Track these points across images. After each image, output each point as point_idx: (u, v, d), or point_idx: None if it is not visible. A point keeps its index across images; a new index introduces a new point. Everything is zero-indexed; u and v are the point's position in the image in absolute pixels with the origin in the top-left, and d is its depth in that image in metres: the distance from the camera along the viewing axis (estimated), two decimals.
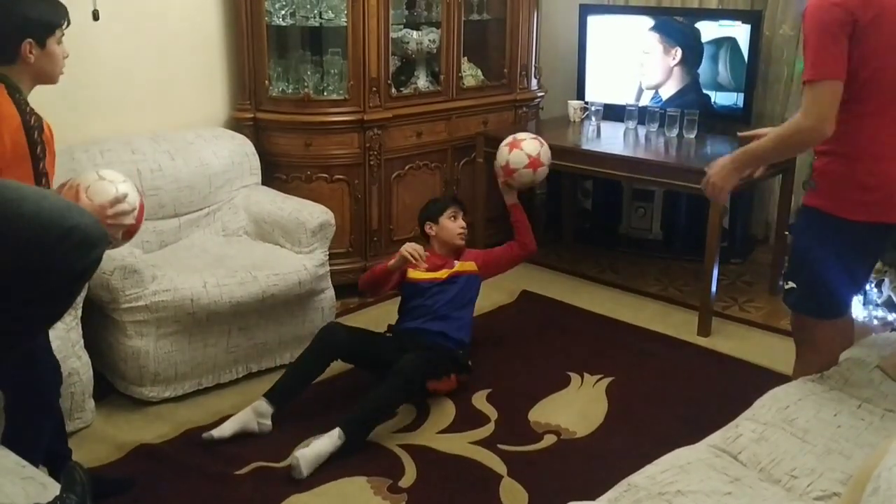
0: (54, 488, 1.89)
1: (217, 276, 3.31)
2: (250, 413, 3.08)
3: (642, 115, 4.64)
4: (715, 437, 2.30)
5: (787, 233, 4.24)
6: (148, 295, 3.15)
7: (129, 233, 2.48)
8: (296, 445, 2.98)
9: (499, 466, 2.92)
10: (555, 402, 3.36)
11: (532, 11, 4.79)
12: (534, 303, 4.32)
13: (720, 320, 4.07)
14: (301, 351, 3.29)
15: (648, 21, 4.74)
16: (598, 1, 5.24)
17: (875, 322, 4.01)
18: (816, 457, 2.16)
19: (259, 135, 4.13)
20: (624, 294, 4.45)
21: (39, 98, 2.39)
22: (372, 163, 4.20)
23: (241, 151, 3.95)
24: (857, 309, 4.04)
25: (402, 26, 4.44)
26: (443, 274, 3.54)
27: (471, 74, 4.71)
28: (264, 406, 3.09)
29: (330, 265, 3.73)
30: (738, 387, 3.30)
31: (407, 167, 4.39)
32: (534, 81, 4.94)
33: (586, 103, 4.87)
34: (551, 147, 4.26)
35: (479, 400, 3.36)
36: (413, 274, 3.52)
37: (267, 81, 4.11)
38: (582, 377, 3.54)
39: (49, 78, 2.41)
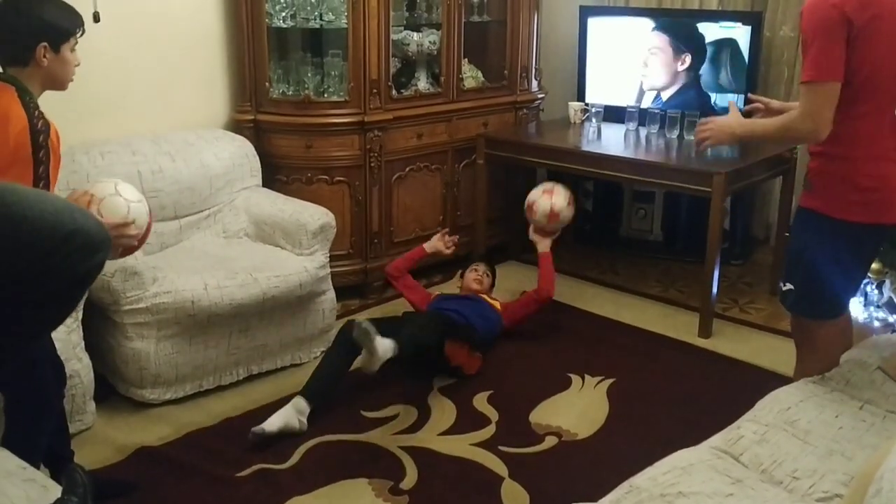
0: (56, 490, 1.89)
1: (218, 277, 3.31)
2: (292, 410, 3.10)
3: (643, 116, 4.64)
4: (716, 439, 2.30)
5: (787, 234, 4.24)
6: (149, 297, 3.15)
7: (127, 251, 2.49)
8: (298, 447, 2.99)
9: (500, 468, 2.92)
10: (556, 404, 3.35)
11: (532, 13, 4.79)
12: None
13: (721, 322, 4.07)
14: (313, 351, 3.52)
15: (649, 23, 4.74)
16: (599, 2, 5.25)
17: (876, 323, 4.01)
18: (818, 458, 2.16)
19: (260, 136, 4.13)
20: (625, 295, 4.45)
21: (41, 100, 2.39)
22: (372, 164, 4.20)
23: (241, 153, 3.95)
24: (858, 310, 4.04)
25: (402, 28, 4.44)
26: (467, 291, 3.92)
27: (471, 76, 4.71)
28: (303, 404, 3.12)
29: (330, 267, 3.73)
30: (740, 388, 3.30)
31: (407, 169, 4.39)
32: (534, 83, 4.94)
33: (587, 105, 4.88)
34: (552, 149, 4.32)
35: (480, 401, 3.36)
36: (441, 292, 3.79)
37: (267, 83, 4.11)
38: (583, 379, 3.54)
39: (59, 84, 2.45)
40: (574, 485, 2.81)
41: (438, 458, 2.98)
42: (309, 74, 4.22)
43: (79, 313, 2.97)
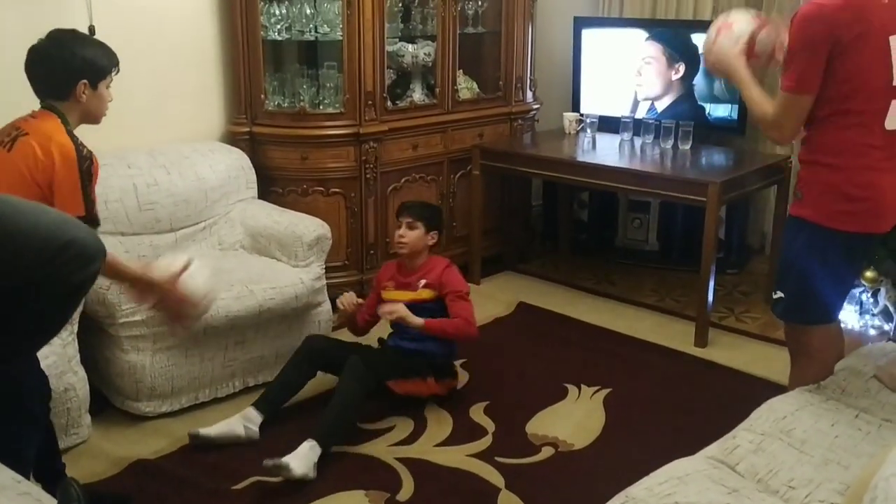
0: None
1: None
2: (238, 418, 3.13)
3: (637, 126, 4.66)
4: (713, 448, 2.30)
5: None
6: (144, 309, 3.15)
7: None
8: None
9: (496, 479, 2.92)
10: (552, 414, 3.35)
11: (527, 24, 4.80)
12: (531, 314, 4.32)
13: (717, 331, 4.08)
14: None
15: (642, 34, 4.76)
16: (593, 13, 5.28)
17: (871, 332, 4.02)
18: (814, 467, 2.16)
19: (255, 148, 4.13)
20: (620, 305, 4.46)
21: None
22: (368, 176, 4.20)
23: (237, 165, 3.95)
24: (853, 318, 4.05)
25: (397, 40, 4.46)
26: (404, 296, 3.40)
27: (466, 87, 4.72)
28: (252, 413, 3.14)
29: (326, 279, 3.73)
30: (736, 397, 3.30)
31: (403, 180, 4.40)
32: (529, 94, 4.95)
33: (581, 115, 4.89)
34: (547, 159, 4.29)
35: (477, 412, 3.35)
36: (385, 295, 3.45)
37: (263, 95, 4.12)
38: (579, 389, 3.54)
39: (94, 118, 2.62)
40: (571, 495, 2.81)
41: (435, 470, 2.98)
42: (304, 86, 4.23)
43: (74, 326, 2.97)
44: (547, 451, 3.09)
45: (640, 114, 4.79)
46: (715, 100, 4.65)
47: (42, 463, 2.52)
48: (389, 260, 4.26)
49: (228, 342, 3.38)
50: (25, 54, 2.52)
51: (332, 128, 4.11)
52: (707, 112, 4.67)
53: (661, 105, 4.76)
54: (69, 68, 2.49)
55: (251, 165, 4.02)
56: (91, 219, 2.46)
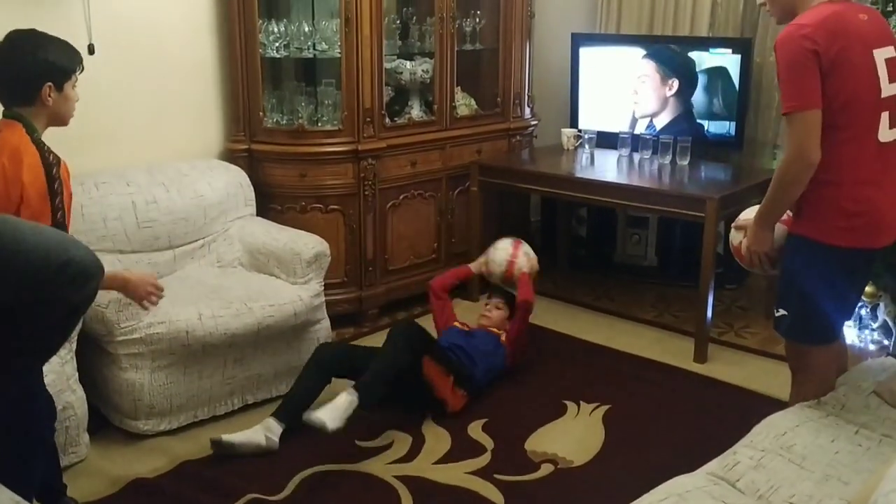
0: None
1: (212, 307, 3.31)
2: (260, 428, 3.14)
3: (635, 142, 4.67)
4: (713, 465, 2.29)
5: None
6: (143, 327, 3.15)
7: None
8: (292, 477, 2.97)
9: (496, 496, 2.90)
10: (551, 431, 3.34)
11: (524, 41, 4.82)
12: (529, 331, 4.30)
13: (716, 346, 4.07)
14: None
15: (640, 50, 4.78)
16: (590, 30, 5.30)
17: (871, 347, 4.02)
18: (815, 483, 2.15)
19: (253, 166, 4.14)
20: (619, 321, 4.45)
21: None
22: (367, 193, 4.21)
23: (235, 182, 3.96)
24: (853, 334, 4.05)
25: (395, 57, 4.47)
26: (467, 326, 3.82)
27: (464, 104, 4.74)
28: (273, 424, 3.15)
29: (325, 295, 3.73)
30: (736, 413, 3.29)
31: (402, 196, 4.41)
32: (527, 110, 4.97)
33: (580, 131, 4.90)
34: (546, 176, 4.29)
35: (475, 429, 3.34)
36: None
37: (261, 113, 4.13)
38: (578, 405, 3.53)
39: (62, 120, 2.54)
40: None
41: (433, 487, 2.96)
42: (302, 104, 4.24)
43: (72, 344, 2.96)
44: (546, 469, 3.08)
45: (639, 131, 4.80)
46: (714, 117, 4.66)
47: (43, 483, 2.52)
48: (388, 277, 4.29)
49: (227, 360, 3.37)
50: None
51: (331, 145, 4.12)
52: (706, 129, 4.68)
53: (659, 122, 4.77)
54: (32, 73, 2.41)
55: (250, 183, 4.02)
56: (56, 226, 2.39)
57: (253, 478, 2.96)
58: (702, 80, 4.64)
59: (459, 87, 4.69)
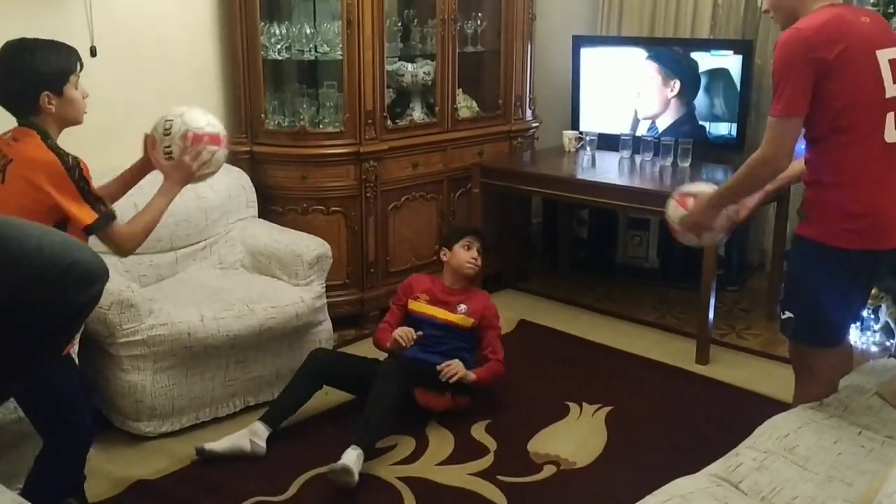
0: None
1: (214, 309, 3.31)
2: (244, 433, 3.13)
3: (637, 144, 4.67)
4: (715, 466, 2.29)
5: (783, 259, 4.25)
6: (145, 329, 3.15)
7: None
8: (295, 478, 2.97)
9: (498, 498, 2.90)
10: (554, 433, 3.34)
11: (526, 43, 4.83)
12: (531, 332, 4.32)
13: (718, 348, 4.07)
14: None
15: (641, 52, 4.79)
16: (591, 32, 5.30)
17: (873, 348, 4.01)
18: (817, 484, 2.15)
19: (255, 168, 4.14)
20: (621, 322, 4.45)
21: None
22: (368, 194, 4.21)
23: (237, 184, 3.96)
24: (855, 335, 4.04)
25: (396, 59, 4.48)
26: (439, 313, 3.52)
27: (466, 106, 4.74)
28: (259, 427, 3.14)
29: (327, 297, 3.73)
30: (738, 415, 3.29)
31: (403, 198, 4.41)
32: (528, 112, 4.97)
33: (581, 133, 4.90)
34: (547, 177, 4.27)
35: (478, 431, 3.34)
36: (413, 305, 3.55)
37: (263, 115, 4.13)
38: (581, 407, 3.53)
39: (73, 121, 2.48)
40: None
41: (437, 489, 2.96)
42: (304, 106, 4.24)
43: (75, 346, 2.96)
44: (549, 470, 3.08)
45: (641, 132, 4.80)
46: (715, 118, 4.67)
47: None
48: (389, 279, 4.28)
49: (229, 361, 3.37)
50: None
51: (332, 147, 4.12)
52: (708, 131, 4.68)
53: (661, 124, 4.78)
54: (25, 85, 2.34)
55: (251, 184, 4.02)
56: (106, 215, 2.43)
57: (256, 479, 2.97)
58: (703, 81, 4.64)
59: (461, 89, 4.69)
